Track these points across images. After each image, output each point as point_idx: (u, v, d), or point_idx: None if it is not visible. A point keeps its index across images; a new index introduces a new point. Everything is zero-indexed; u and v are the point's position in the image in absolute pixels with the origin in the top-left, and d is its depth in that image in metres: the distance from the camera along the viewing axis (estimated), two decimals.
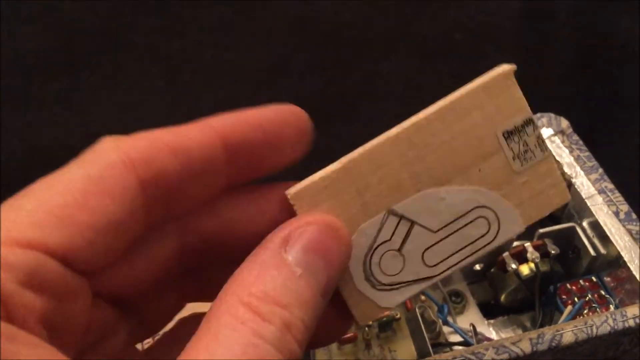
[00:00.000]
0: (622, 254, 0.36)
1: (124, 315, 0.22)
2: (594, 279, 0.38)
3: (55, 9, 0.65)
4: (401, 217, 0.21)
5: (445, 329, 0.36)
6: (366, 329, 0.36)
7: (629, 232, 0.36)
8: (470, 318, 0.39)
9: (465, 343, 0.35)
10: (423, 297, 0.38)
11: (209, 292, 0.19)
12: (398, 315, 0.36)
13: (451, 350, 0.34)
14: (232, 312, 0.17)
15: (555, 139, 0.41)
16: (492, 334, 0.38)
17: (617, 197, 0.38)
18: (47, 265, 0.17)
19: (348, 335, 0.36)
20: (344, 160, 0.21)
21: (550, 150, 0.22)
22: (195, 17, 0.64)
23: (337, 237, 0.20)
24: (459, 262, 0.22)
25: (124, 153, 0.18)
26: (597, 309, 0.37)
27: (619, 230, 0.37)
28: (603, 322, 0.32)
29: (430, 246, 0.21)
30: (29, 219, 0.17)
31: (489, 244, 0.22)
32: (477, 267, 0.40)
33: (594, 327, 0.32)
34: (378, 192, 0.21)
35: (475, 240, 0.22)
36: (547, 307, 0.37)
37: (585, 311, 0.36)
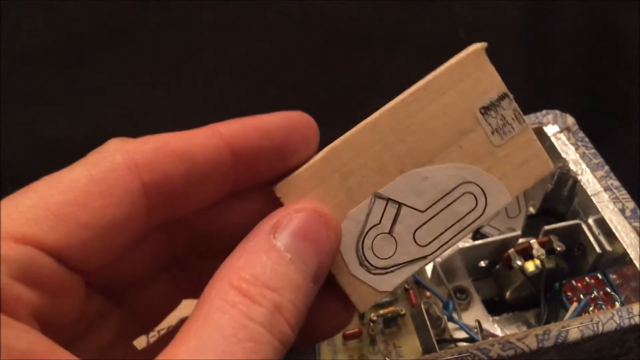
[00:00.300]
0: (628, 251, 0.36)
1: (114, 307, 0.22)
2: (599, 276, 0.38)
3: (59, 5, 0.65)
4: (388, 200, 0.21)
5: (450, 325, 0.36)
6: (371, 324, 0.36)
7: (635, 229, 0.36)
8: (475, 315, 0.39)
9: (471, 339, 0.35)
10: (428, 294, 0.38)
11: (201, 287, 0.19)
12: (403, 311, 0.36)
13: (456, 346, 0.34)
14: (222, 296, 0.18)
15: (561, 136, 0.41)
16: (497, 330, 0.38)
17: (623, 194, 0.38)
18: (41, 261, 0.17)
19: (353, 330, 0.36)
20: (325, 149, 0.21)
21: (527, 123, 0.22)
22: (198, 14, 0.64)
23: (326, 222, 0.20)
24: (451, 239, 0.22)
25: (129, 156, 0.19)
26: (603, 306, 0.36)
27: (624, 227, 0.37)
28: (609, 319, 0.32)
29: (421, 226, 0.22)
30: (26, 215, 0.17)
31: (478, 218, 0.22)
32: (482, 263, 0.40)
33: (600, 324, 0.32)
34: (362, 177, 0.21)
35: (465, 216, 0.22)
36: (552, 304, 0.37)
37: (590, 308, 0.36)
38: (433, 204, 0.21)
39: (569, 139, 0.41)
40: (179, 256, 0.23)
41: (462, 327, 0.36)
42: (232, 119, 0.21)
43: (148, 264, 0.22)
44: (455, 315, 0.36)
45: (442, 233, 0.22)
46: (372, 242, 0.21)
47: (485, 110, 0.21)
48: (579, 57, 0.58)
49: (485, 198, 0.22)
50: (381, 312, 0.36)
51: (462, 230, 0.22)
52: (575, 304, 0.36)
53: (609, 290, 0.37)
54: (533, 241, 0.37)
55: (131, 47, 0.62)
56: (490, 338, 0.34)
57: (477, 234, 0.41)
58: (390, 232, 0.21)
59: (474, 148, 0.21)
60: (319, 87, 0.57)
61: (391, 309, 0.36)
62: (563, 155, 0.40)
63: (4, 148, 0.53)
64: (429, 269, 0.40)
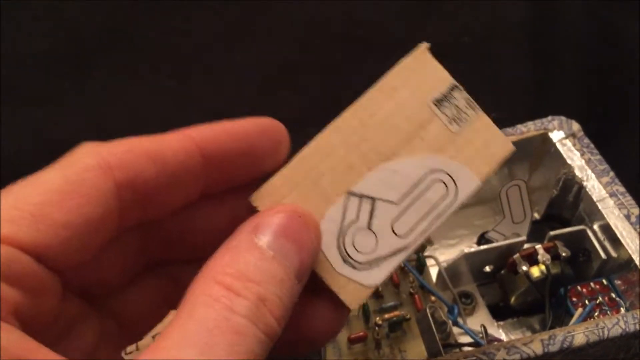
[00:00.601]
0: (634, 257, 0.36)
1: (94, 311, 0.22)
2: (604, 281, 0.38)
3: (63, 7, 0.66)
4: (361, 196, 0.22)
5: (455, 330, 0.36)
6: (376, 328, 0.36)
7: None
8: (480, 319, 0.39)
9: (476, 344, 0.35)
10: (433, 298, 0.38)
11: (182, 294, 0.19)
12: (408, 316, 0.36)
13: (461, 350, 0.34)
14: (206, 292, 0.18)
15: (567, 142, 0.41)
16: (502, 335, 0.38)
17: (629, 200, 0.38)
18: (20, 260, 0.18)
19: (358, 334, 0.36)
20: (295, 156, 0.22)
21: (480, 109, 0.23)
22: (202, 17, 0.64)
23: (305, 222, 0.21)
24: (429, 226, 0.23)
25: (102, 157, 0.19)
26: (608, 312, 0.36)
27: (630, 233, 0.37)
28: (614, 324, 0.32)
29: (397, 217, 0.22)
30: (4, 215, 0.18)
31: (451, 204, 0.23)
32: (487, 268, 0.40)
33: (606, 329, 0.32)
34: (333, 178, 0.22)
35: (438, 203, 0.23)
36: (557, 310, 0.37)
37: (595, 314, 0.36)
38: (406, 196, 0.22)
39: (574, 145, 0.41)
40: (156, 260, 0.23)
41: (467, 331, 0.36)
42: (203, 124, 0.21)
43: (125, 267, 0.22)
44: (460, 320, 0.36)
45: (419, 222, 0.22)
46: (353, 238, 0.22)
47: (438, 102, 0.23)
48: (584, 62, 0.59)
49: (455, 184, 0.23)
50: (386, 316, 0.36)
51: (438, 217, 0.23)
52: (580, 310, 0.36)
53: (614, 295, 0.37)
54: (538, 246, 0.37)
55: (135, 50, 0.62)
56: (496, 342, 0.34)
57: (482, 239, 0.42)
58: (368, 227, 0.22)
59: (435, 138, 0.23)
60: (323, 90, 0.57)
61: (396, 313, 0.36)
62: (568, 161, 0.40)
63: (7, 149, 0.53)
64: (434, 273, 0.40)
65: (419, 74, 0.23)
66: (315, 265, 0.21)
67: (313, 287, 0.22)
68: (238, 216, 0.21)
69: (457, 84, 0.23)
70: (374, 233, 0.22)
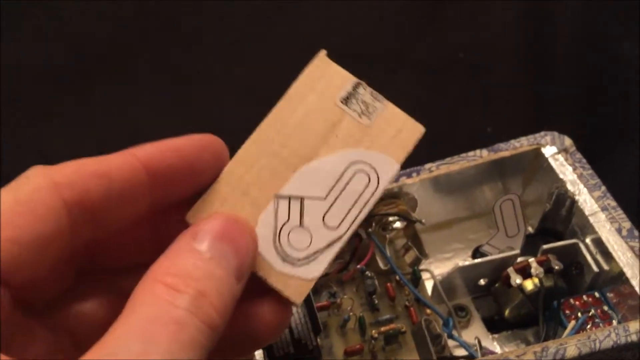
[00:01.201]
0: (625, 270, 0.36)
1: (43, 324, 0.23)
2: (597, 294, 0.38)
3: (68, 23, 0.67)
4: (289, 198, 0.24)
5: (450, 342, 0.37)
6: (372, 341, 0.36)
7: (632, 248, 0.37)
8: (475, 332, 0.39)
9: (470, 357, 0.35)
10: (428, 311, 0.38)
11: None
12: (404, 329, 0.37)
13: None
14: (148, 290, 0.19)
15: (559, 157, 0.42)
16: (496, 348, 0.39)
17: (620, 214, 0.38)
18: None
19: (354, 347, 0.36)
20: (221, 173, 0.24)
21: (386, 100, 0.25)
22: (203, 36, 0.65)
23: (240, 226, 0.22)
24: (358, 214, 0.24)
25: (50, 177, 0.20)
26: (600, 324, 0.37)
27: (621, 246, 0.37)
28: (606, 336, 0.33)
29: (327, 211, 0.24)
30: None
31: (375, 190, 0.24)
32: (482, 282, 0.40)
33: (597, 342, 0.32)
34: (260, 187, 0.24)
35: (363, 192, 0.24)
36: (551, 322, 0.38)
37: (588, 326, 0.37)
38: (331, 190, 0.24)
39: (566, 159, 0.42)
40: (100, 268, 0.24)
41: (462, 344, 0.36)
42: (147, 143, 0.23)
43: (63, 273, 0.23)
44: (455, 333, 0.37)
45: (348, 212, 0.24)
46: (288, 238, 0.23)
47: (345, 100, 0.25)
48: (578, 78, 0.59)
49: (376, 171, 0.24)
50: (382, 329, 0.37)
51: (365, 205, 0.24)
52: (573, 322, 0.37)
53: (606, 308, 0.38)
54: (531, 260, 0.38)
55: (136, 65, 0.63)
56: (490, 355, 0.35)
57: (477, 253, 0.42)
58: (301, 225, 0.24)
59: (349, 133, 0.24)
60: None
61: (392, 326, 0.37)
62: (561, 175, 0.41)
63: (8, 163, 0.54)
64: (429, 287, 0.40)
65: (322, 78, 0.25)
66: (257, 268, 0.23)
67: (260, 290, 0.23)
68: (172, 231, 0.22)
69: (360, 81, 0.25)
70: (308, 229, 0.24)
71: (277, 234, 0.23)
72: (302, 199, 0.24)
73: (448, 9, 0.65)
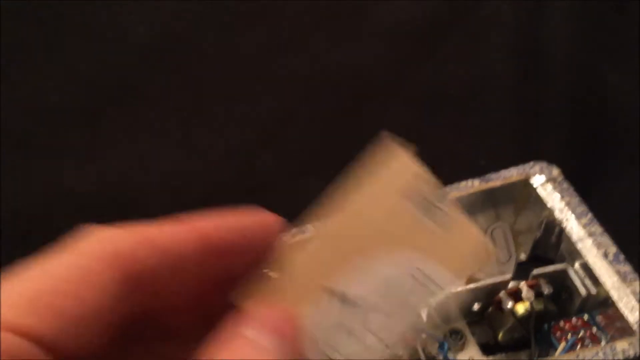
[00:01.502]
0: (611, 293, 0.38)
1: None
2: (586, 317, 0.40)
3: (74, 63, 0.69)
4: (340, 295, 0.22)
5: None
6: None
7: (618, 272, 0.39)
8: (470, 355, 0.40)
9: None
10: (424, 335, 0.40)
11: None
12: (401, 353, 0.38)
13: None
14: None
15: (547, 186, 0.44)
16: None
17: (606, 239, 0.40)
18: (20, 347, 0.18)
19: None
20: (278, 257, 0.23)
21: (461, 212, 0.23)
22: (206, 72, 0.68)
23: (290, 320, 0.22)
24: (405, 328, 0.23)
25: (111, 246, 0.20)
26: (589, 346, 0.38)
27: (608, 270, 0.39)
28: (594, 355, 0.34)
29: (376, 319, 0.22)
30: (5, 300, 0.18)
31: (427, 300, 0.23)
32: (476, 306, 0.42)
33: None
34: (314, 279, 0.22)
35: (415, 304, 0.23)
36: (543, 345, 0.39)
37: (578, 347, 0.38)
38: (383, 296, 0.23)
39: (554, 188, 0.44)
40: (139, 335, 0.24)
41: None
42: (210, 213, 0.22)
43: (108, 342, 0.22)
44: (450, 355, 0.38)
45: (393, 322, 0.23)
46: (334, 338, 0.22)
47: (419, 204, 0.23)
48: (567, 110, 0.62)
49: (431, 280, 0.23)
50: None
51: (413, 317, 0.23)
52: (563, 343, 0.38)
53: (595, 330, 0.39)
54: (522, 284, 0.39)
55: (143, 103, 0.65)
56: None
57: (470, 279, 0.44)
58: (347, 327, 0.22)
59: (416, 238, 0.23)
60: (323, 139, 0.60)
61: None
62: (549, 204, 0.43)
63: (18, 201, 0.55)
64: (424, 312, 0.42)
65: (400, 176, 0.23)
66: None
67: None
68: (221, 303, 0.22)
69: (439, 185, 0.23)
70: (354, 334, 0.23)
71: (323, 331, 0.22)
72: (350, 299, 0.22)
73: (442, 46, 0.68)
